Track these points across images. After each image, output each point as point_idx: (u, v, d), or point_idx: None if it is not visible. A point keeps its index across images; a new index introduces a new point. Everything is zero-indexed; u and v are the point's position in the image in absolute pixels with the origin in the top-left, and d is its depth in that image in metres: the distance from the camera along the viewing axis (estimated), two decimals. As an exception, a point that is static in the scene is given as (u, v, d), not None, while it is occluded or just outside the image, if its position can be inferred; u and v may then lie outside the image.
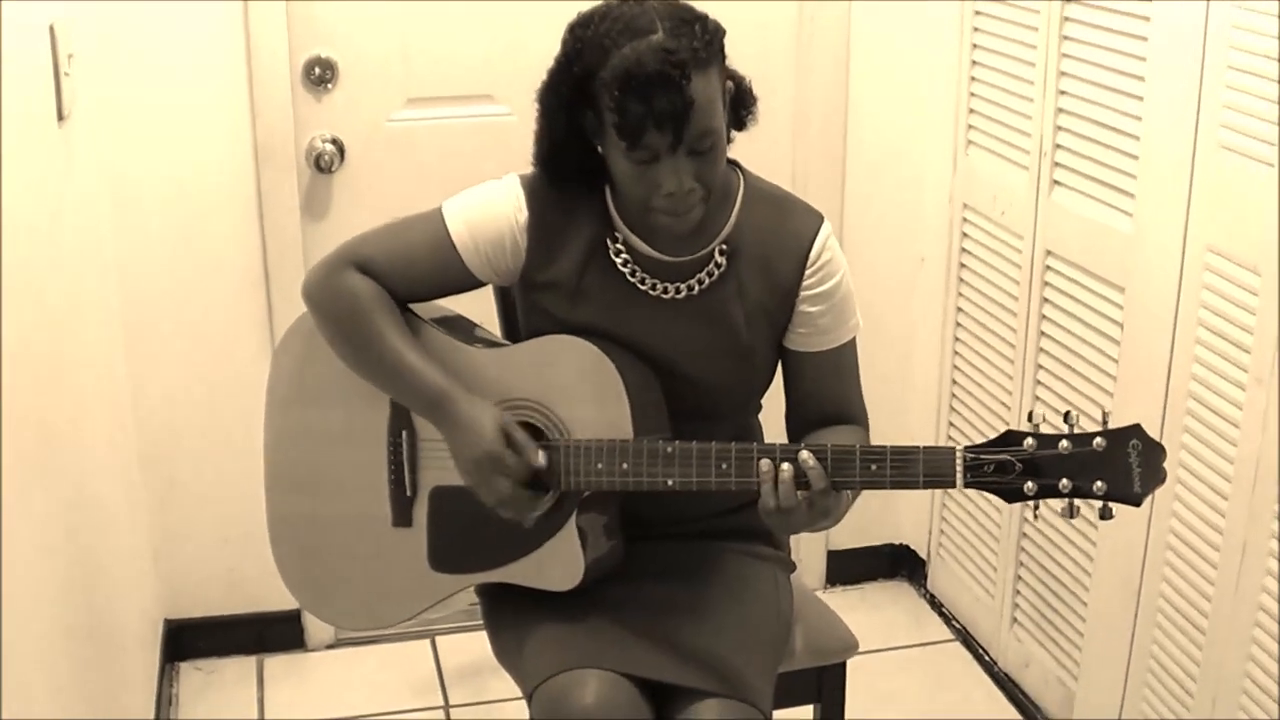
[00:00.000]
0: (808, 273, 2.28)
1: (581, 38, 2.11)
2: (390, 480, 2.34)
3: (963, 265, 3.54)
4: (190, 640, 3.61)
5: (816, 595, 2.65)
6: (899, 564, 4.00)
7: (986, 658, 3.60)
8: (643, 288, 2.27)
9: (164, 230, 3.29)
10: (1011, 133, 3.26)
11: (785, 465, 2.07)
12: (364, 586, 2.40)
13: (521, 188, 2.27)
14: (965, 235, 3.52)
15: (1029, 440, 2.01)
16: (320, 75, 3.30)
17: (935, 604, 3.86)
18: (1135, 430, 1.99)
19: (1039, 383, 3.21)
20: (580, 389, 2.23)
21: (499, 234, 2.26)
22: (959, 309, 3.58)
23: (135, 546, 3.31)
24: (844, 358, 2.35)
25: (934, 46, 3.54)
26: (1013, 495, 2.03)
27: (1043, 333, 3.18)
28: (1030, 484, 2.01)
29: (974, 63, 3.41)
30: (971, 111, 3.44)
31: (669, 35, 2.05)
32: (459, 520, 2.31)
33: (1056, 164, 3.07)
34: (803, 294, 2.29)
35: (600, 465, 2.19)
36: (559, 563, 2.25)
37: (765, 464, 2.08)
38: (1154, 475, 1.99)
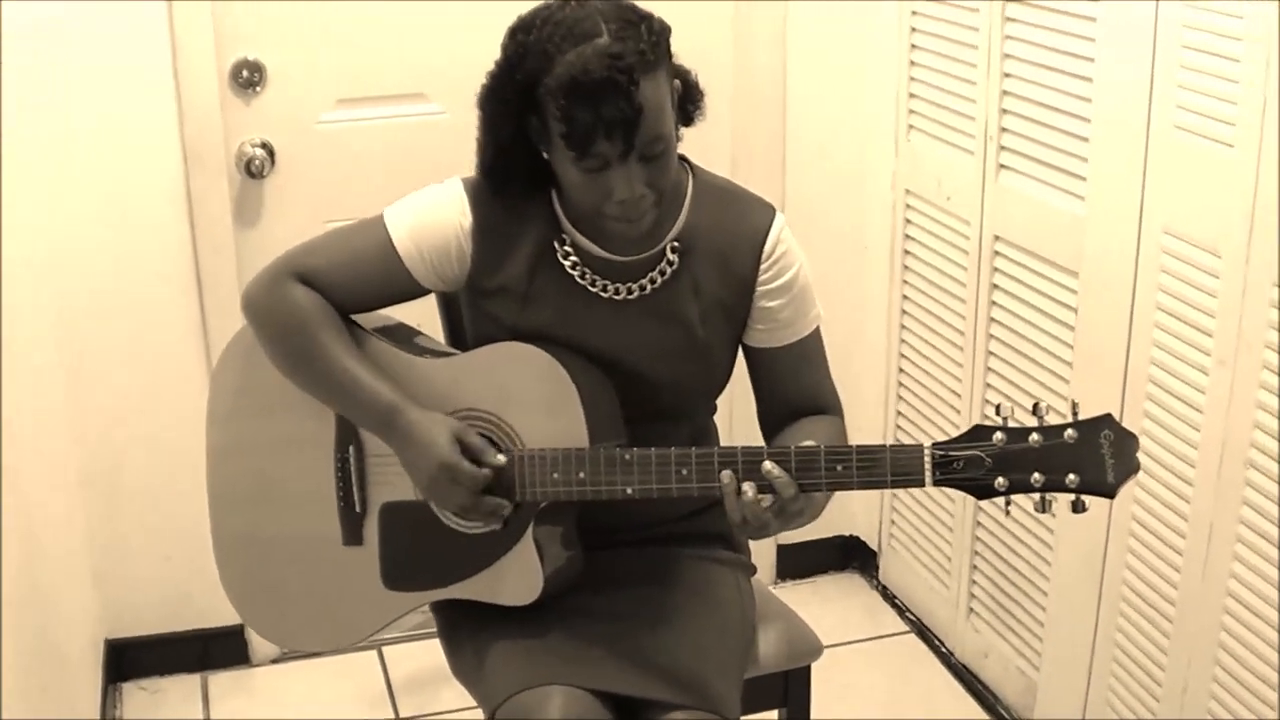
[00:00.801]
0: (763, 266, 2.23)
1: (523, 43, 2.03)
2: (339, 497, 2.27)
3: (907, 252, 3.50)
4: (133, 659, 3.53)
5: (779, 597, 2.60)
6: (849, 556, 3.97)
7: (943, 649, 3.56)
8: (593, 290, 2.21)
9: (95, 241, 3.21)
10: (955, 117, 3.21)
11: (747, 486, 2.01)
12: (316, 607, 2.33)
13: (465, 191, 2.21)
14: (909, 222, 3.48)
15: (998, 434, 1.96)
16: (249, 78, 3.22)
17: (888, 596, 3.83)
18: (1106, 420, 1.95)
19: (990, 370, 3.18)
20: (533, 397, 2.16)
21: (444, 240, 2.19)
22: (905, 297, 3.54)
23: (74, 566, 3.25)
24: (809, 348, 2.30)
25: (873, 31, 3.49)
26: (984, 492, 1.97)
27: (993, 319, 3.14)
28: (1001, 479, 1.96)
29: (914, 46, 3.36)
30: (912, 96, 3.40)
31: (614, 39, 1.97)
32: (411, 536, 2.24)
33: (1003, 148, 3.03)
34: (759, 289, 2.23)
35: (557, 475, 2.13)
36: (517, 577, 2.19)
37: (727, 477, 2.02)
38: (1127, 465, 1.94)
